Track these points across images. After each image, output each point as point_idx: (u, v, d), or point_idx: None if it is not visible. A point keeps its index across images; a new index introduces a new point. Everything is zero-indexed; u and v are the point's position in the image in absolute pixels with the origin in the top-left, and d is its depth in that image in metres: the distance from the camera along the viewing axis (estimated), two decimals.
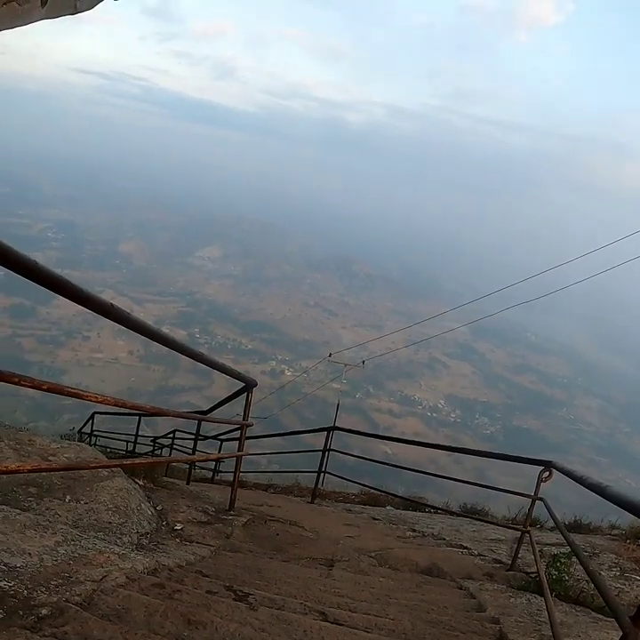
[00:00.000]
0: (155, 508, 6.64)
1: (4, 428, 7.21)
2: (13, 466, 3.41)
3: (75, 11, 5.40)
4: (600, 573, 7.65)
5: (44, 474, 5.73)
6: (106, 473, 6.35)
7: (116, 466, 5.60)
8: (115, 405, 4.14)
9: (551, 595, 6.17)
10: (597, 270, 25.52)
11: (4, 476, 5.27)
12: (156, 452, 17.70)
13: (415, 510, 13.40)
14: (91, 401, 3.74)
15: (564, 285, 27.24)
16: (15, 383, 2.84)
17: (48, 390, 3.24)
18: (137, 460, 6.92)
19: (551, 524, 9.42)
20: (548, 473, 6.81)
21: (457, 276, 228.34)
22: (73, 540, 4.27)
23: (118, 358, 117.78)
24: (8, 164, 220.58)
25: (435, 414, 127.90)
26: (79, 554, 4.06)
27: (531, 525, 7.43)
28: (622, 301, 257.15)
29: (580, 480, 4.21)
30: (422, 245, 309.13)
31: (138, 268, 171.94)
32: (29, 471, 3.58)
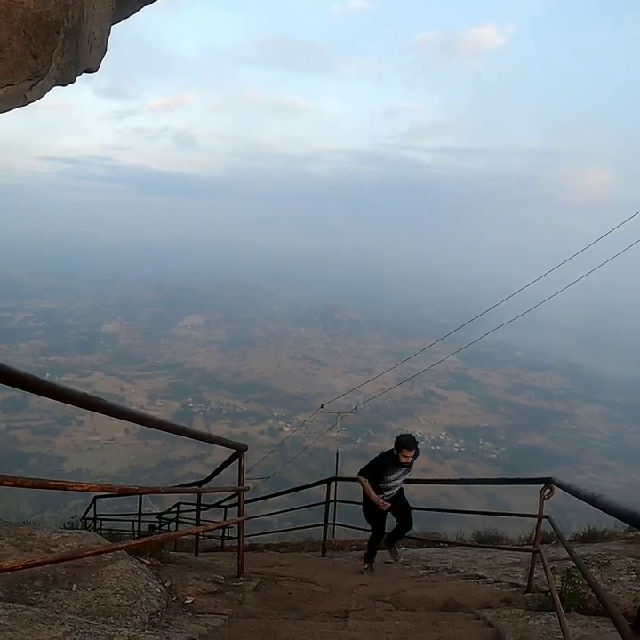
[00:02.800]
0: (163, 585, 6.57)
1: (4, 525, 7.18)
2: (7, 564, 3.41)
3: (25, 101, 5.53)
4: (616, 580, 7.69)
5: (49, 566, 5.69)
6: (110, 557, 6.31)
7: (114, 550, 5.57)
8: (102, 491, 4.15)
9: (570, 610, 6.20)
10: (573, 279, 25.81)
11: (9, 573, 5.24)
12: (162, 527, 17.56)
13: (428, 547, 13.33)
14: (76, 491, 3.75)
15: (543, 299, 27.50)
16: None
17: (32, 486, 3.26)
18: (133, 542, 6.86)
19: (567, 538, 9.44)
20: (548, 490, 6.85)
21: (440, 308, 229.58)
22: (81, 629, 4.23)
23: (115, 438, 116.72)
24: None
25: (439, 447, 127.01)
26: None
27: (545, 543, 7.44)
28: (604, 306, 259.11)
29: (576, 494, 4.26)
30: (402, 283, 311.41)
31: (124, 347, 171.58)
32: (25, 567, 3.57)
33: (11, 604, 4.63)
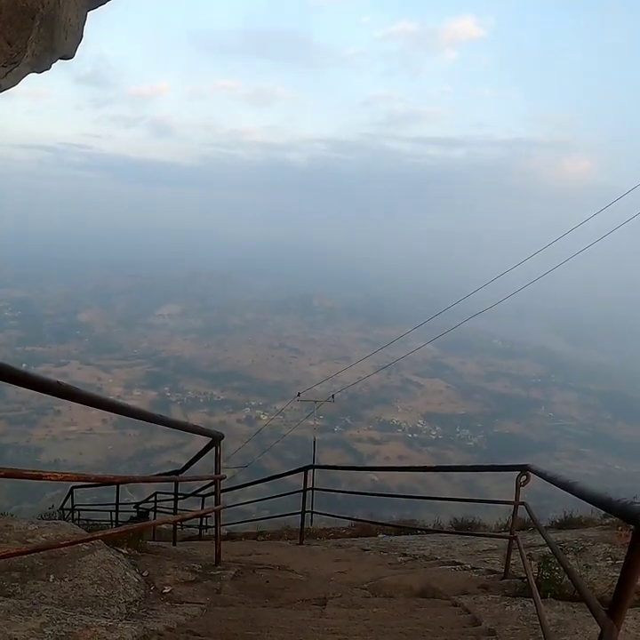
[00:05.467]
0: (141, 575, 6.55)
1: None
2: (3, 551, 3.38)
3: (0, 89, 5.45)
4: (591, 566, 7.77)
5: (26, 556, 5.65)
6: (87, 547, 6.27)
7: (89, 539, 5.53)
8: (78, 481, 4.12)
9: (547, 596, 6.24)
10: (549, 268, 25.97)
11: None
12: (141, 517, 17.49)
13: (406, 534, 13.37)
14: (51, 480, 3.72)
15: (519, 288, 27.66)
16: None
17: (6, 476, 3.22)
18: (109, 531, 6.81)
19: (543, 525, 9.50)
20: (525, 477, 6.88)
21: (418, 296, 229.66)
22: (58, 620, 4.20)
23: (93, 428, 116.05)
24: None
25: (416, 435, 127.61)
26: (65, 631, 4.01)
27: (522, 529, 7.49)
28: (579, 294, 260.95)
29: (552, 480, 4.28)
30: (380, 272, 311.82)
31: (100, 336, 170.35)
32: (0, 557, 3.54)
33: None
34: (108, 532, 6.74)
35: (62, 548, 5.94)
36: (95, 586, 5.63)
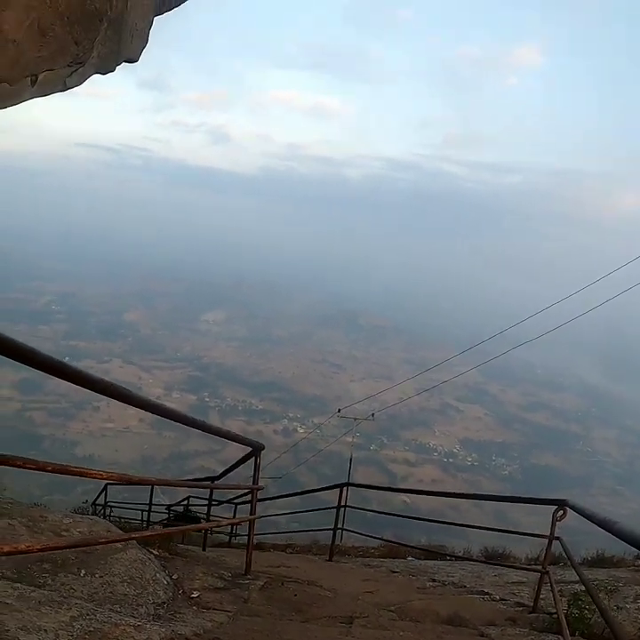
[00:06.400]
0: (170, 577, 6.60)
1: (16, 506, 7.21)
2: (23, 546, 3.44)
3: (65, 87, 5.56)
4: (622, 607, 7.63)
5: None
6: (120, 545, 6.33)
7: (127, 539, 5.59)
8: (120, 481, 4.18)
9: (575, 634, 6.15)
10: (598, 301, 25.65)
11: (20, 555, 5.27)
12: (171, 519, 17.62)
13: (435, 559, 13.28)
14: (96, 479, 3.78)
15: (568, 319, 27.36)
16: (19, 466, 2.90)
17: (53, 471, 3.29)
18: (147, 533, 6.87)
19: (577, 560, 9.36)
20: (561, 512, 6.79)
21: (464, 320, 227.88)
22: (88, 615, 4.25)
23: (130, 427, 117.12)
24: (11, 240, 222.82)
25: (451, 460, 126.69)
26: (94, 628, 4.05)
27: (552, 564, 7.39)
28: (627, 329, 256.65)
29: (590, 517, 4.21)
30: (427, 291, 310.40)
31: (144, 336, 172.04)
32: (40, 551, 3.60)
33: (19, 584, 4.67)
34: (146, 533, 6.82)
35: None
36: (125, 584, 5.68)
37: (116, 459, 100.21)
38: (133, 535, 5.41)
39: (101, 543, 5.35)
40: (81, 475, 3.64)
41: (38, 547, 3.56)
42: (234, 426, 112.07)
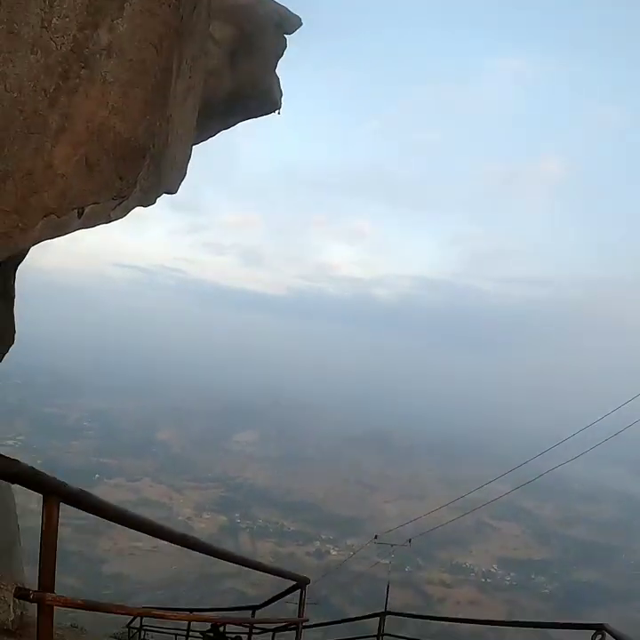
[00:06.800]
0: None
1: (67, 631, 7.52)
2: None
3: (109, 219, 6.21)
4: None
5: None
6: None
7: None
8: (190, 620, 4.55)
9: None
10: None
11: None
12: None
13: None
14: (169, 619, 4.20)
15: (612, 433, 27.33)
16: (112, 612, 3.36)
17: (139, 614, 3.71)
18: None
19: None
20: (600, 636, 6.87)
21: (498, 437, 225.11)
22: None
23: (158, 546, 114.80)
24: (48, 355, 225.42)
25: (489, 580, 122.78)
26: None
27: None
28: None
29: None
30: (460, 410, 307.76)
31: (175, 455, 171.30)
32: None
33: None
34: None
35: None
36: None
37: (143, 578, 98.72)
38: None
39: None
40: (161, 617, 4.07)
41: None
42: (265, 548, 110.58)
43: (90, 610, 3.58)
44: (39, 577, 3.27)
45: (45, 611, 3.18)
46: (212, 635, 16.90)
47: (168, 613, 4.24)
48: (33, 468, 3.10)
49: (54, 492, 3.20)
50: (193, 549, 4.39)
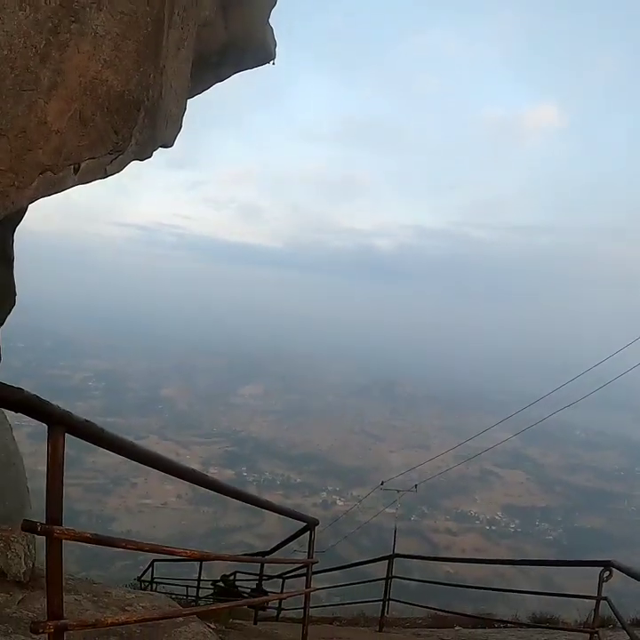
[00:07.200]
0: None
1: (79, 582, 7.49)
2: (109, 620, 3.74)
3: (105, 175, 6.08)
4: None
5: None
6: (181, 619, 6.58)
7: (193, 613, 5.86)
8: (200, 559, 4.50)
9: None
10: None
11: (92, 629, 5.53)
12: (216, 593, 17.72)
13: (484, 627, 13.23)
14: (182, 556, 4.12)
15: (608, 380, 27.24)
16: (122, 547, 3.28)
17: (150, 550, 3.63)
18: (212, 607, 7.14)
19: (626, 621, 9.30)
20: (608, 573, 6.88)
21: (500, 385, 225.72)
22: None
23: (167, 503, 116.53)
24: (50, 317, 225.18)
25: (493, 527, 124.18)
26: None
27: (601, 627, 7.44)
28: None
29: (637, 576, 4.45)
30: (461, 356, 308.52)
31: (180, 412, 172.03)
32: (110, 625, 3.89)
33: None
34: (211, 607, 7.07)
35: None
36: None
37: (153, 534, 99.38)
38: (195, 610, 5.68)
39: (168, 617, 5.64)
40: (171, 553, 3.98)
41: (109, 621, 3.85)
42: (272, 500, 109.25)
43: (99, 544, 3.47)
44: (46, 510, 3.17)
45: (54, 544, 3.08)
46: (223, 585, 17.10)
47: (178, 550, 4.15)
48: (38, 396, 2.99)
49: (60, 422, 3.09)
50: (200, 485, 4.29)
